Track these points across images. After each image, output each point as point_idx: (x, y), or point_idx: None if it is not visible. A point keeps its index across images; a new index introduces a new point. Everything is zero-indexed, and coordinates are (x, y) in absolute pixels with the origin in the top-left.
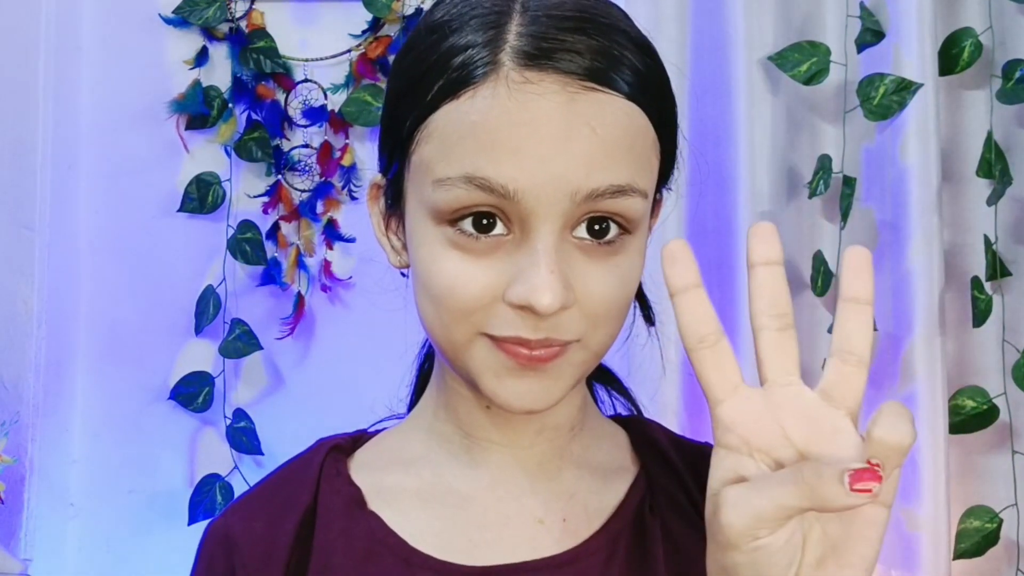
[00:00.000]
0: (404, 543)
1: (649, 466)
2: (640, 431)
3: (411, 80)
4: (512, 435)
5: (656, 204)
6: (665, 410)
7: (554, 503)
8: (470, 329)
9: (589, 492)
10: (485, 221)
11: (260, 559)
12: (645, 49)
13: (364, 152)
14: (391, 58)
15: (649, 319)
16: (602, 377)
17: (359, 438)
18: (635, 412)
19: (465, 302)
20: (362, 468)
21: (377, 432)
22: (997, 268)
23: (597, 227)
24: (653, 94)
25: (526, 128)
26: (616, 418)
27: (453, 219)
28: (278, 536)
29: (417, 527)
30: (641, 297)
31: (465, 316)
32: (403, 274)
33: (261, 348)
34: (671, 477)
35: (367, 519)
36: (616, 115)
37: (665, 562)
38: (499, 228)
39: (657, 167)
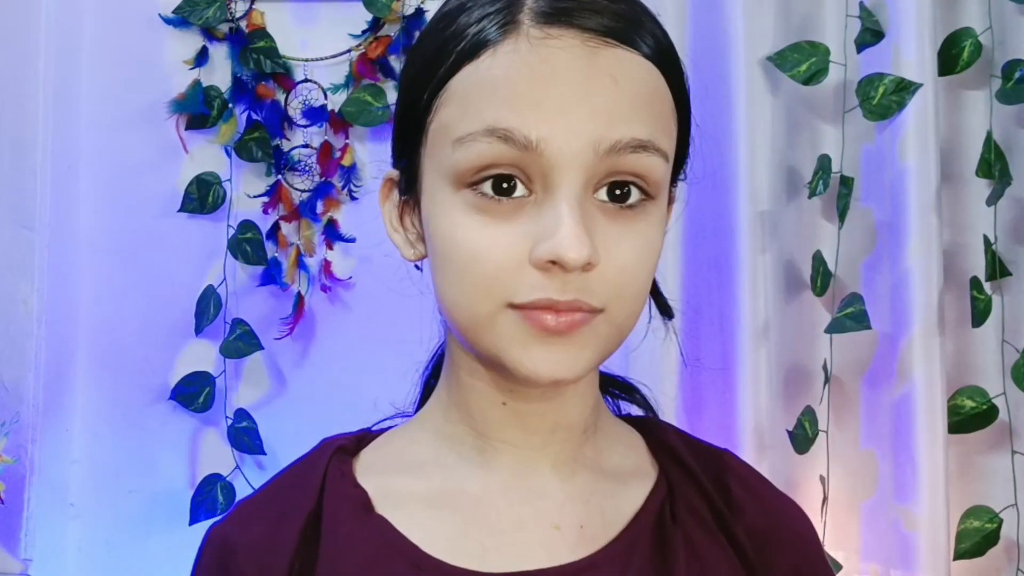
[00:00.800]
0: (415, 547)
1: (669, 472)
2: (656, 435)
3: (426, 58)
4: (526, 434)
5: (670, 200)
6: (665, 410)
7: (569, 507)
8: (495, 300)
9: (605, 496)
10: (505, 184)
11: (259, 568)
12: (658, 23)
13: (364, 152)
14: (391, 58)
15: (667, 312)
16: (617, 387)
17: (363, 438)
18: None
19: (490, 268)
20: (368, 470)
21: (381, 431)
22: (996, 268)
23: (618, 191)
24: (671, 63)
25: (548, 80)
26: (627, 418)
27: (474, 181)
28: (280, 543)
29: (427, 531)
30: (655, 292)
31: (490, 285)
32: (417, 267)
33: (262, 348)
34: (691, 485)
35: (375, 523)
36: (638, 71)
37: (686, 572)
38: (520, 190)
39: (675, 135)
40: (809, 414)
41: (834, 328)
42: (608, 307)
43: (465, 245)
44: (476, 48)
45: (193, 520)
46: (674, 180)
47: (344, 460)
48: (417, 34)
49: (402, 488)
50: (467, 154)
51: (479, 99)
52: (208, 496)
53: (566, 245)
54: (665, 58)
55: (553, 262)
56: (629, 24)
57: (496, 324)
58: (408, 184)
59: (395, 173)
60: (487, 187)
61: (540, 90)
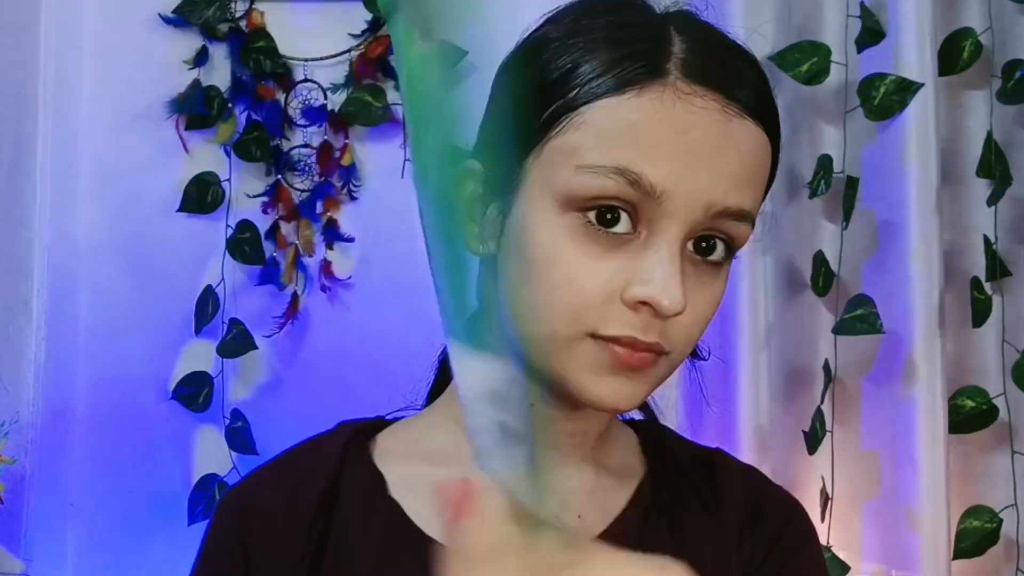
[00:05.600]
0: (421, 532)
1: (658, 467)
2: (650, 434)
3: (559, 72)
4: (544, 435)
5: None
6: (666, 410)
7: (572, 499)
8: (578, 328)
9: (606, 491)
10: (609, 216)
11: (275, 534)
12: (769, 87)
13: (364, 152)
14: (391, 58)
15: (699, 355)
16: None
17: (379, 423)
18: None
19: (583, 298)
20: (385, 454)
21: (395, 419)
22: (997, 268)
23: (704, 244)
24: (778, 134)
25: (686, 137)
26: (626, 421)
27: (584, 207)
28: (297, 511)
29: (434, 516)
30: None
31: (578, 314)
32: (481, 261)
33: (255, 347)
34: (680, 478)
35: (387, 505)
36: (759, 147)
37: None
38: (623, 226)
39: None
40: (820, 416)
41: (843, 329)
42: (672, 350)
43: (562, 269)
44: (621, 85)
45: (191, 521)
46: None
47: (362, 442)
48: (538, 30)
49: (417, 474)
50: (590, 183)
51: (616, 136)
52: (205, 496)
53: (665, 293)
54: (776, 130)
55: (645, 303)
56: (761, 99)
57: (572, 349)
58: (499, 184)
59: (478, 166)
60: (593, 215)
61: (677, 145)
